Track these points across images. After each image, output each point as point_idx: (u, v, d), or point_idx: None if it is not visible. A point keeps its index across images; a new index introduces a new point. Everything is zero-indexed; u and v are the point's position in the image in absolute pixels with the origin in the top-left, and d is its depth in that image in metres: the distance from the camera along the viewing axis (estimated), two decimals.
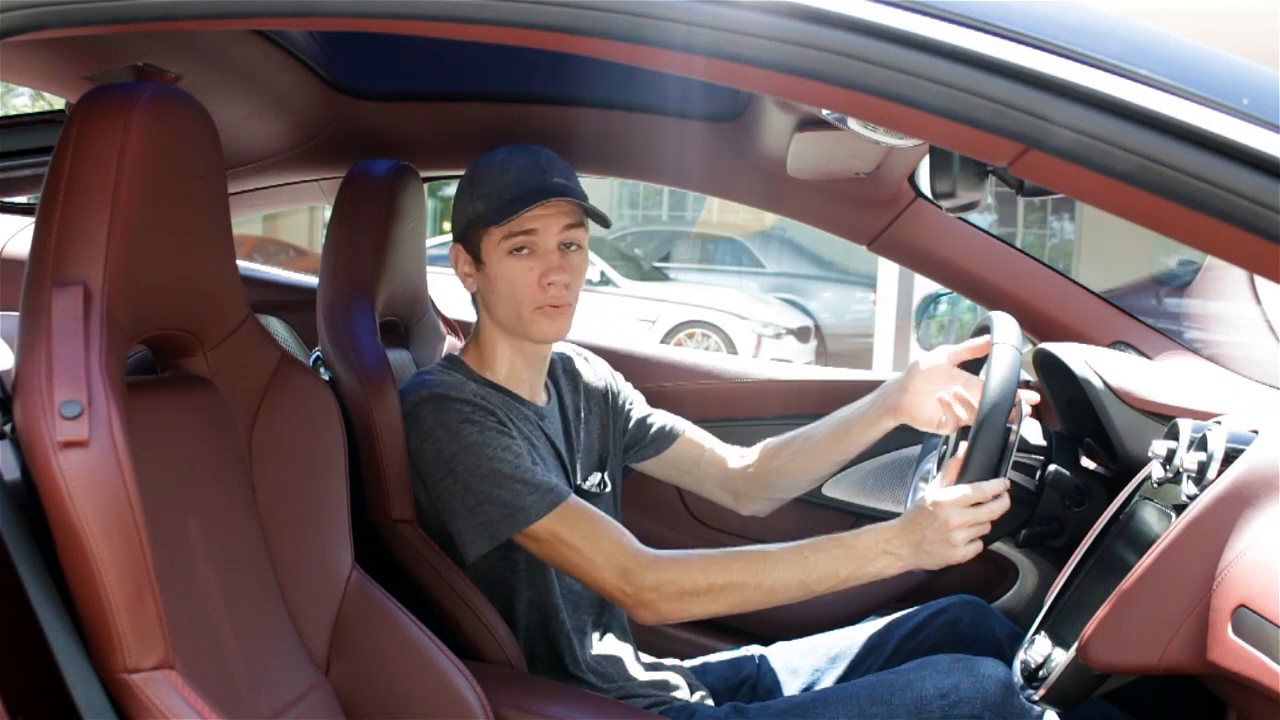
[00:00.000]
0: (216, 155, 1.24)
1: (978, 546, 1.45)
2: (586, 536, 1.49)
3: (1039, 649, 1.45)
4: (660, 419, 1.86)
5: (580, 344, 1.92)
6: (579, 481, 1.72)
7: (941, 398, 1.64)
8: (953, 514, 1.43)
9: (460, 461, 1.50)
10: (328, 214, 1.84)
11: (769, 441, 1.86)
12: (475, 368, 1.65)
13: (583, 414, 1.77)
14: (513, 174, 1.58)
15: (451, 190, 1.67)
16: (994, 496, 1.45)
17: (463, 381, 1.58)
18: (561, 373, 1.78)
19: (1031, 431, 1.74)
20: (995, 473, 1.55)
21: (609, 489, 1.79)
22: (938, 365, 1.68)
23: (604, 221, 1.62)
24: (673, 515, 2.28)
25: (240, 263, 1.69)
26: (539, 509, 1.49)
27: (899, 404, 1.70)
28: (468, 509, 1.51)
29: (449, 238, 1.68)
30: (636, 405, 1.86)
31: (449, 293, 2.13)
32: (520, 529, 1.49)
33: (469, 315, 1.75)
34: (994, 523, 1.69)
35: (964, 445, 1.50)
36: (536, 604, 1.62)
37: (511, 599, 1.61)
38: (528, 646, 1.61)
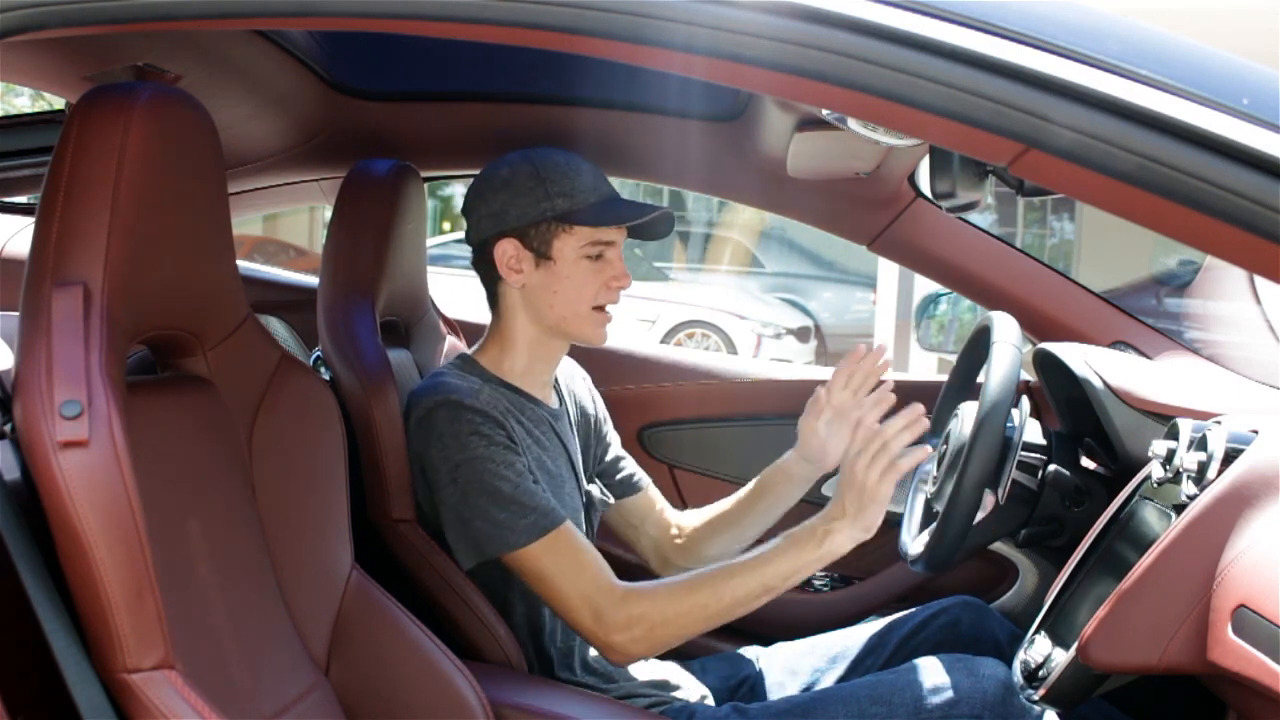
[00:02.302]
0: (216, 155, 1.24)
1: (892, 477, 1.45)
2: (566, 569, 1.49)
3: (1039, 649, 1.45)
4: (630, 466, 1.88)
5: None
6: (586, 485, 1.72)
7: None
8: (857, 462, 1.45)
9: (463, 472, 1.50)
10: (328, 214, 1.84)
11: (691, 518, 1.88)
12: (491, 367, 1.65)
13: (579, 426, 1.78)
14: (586, 178, 1.60)
15: (451, 190, 1.66)
16: (901, 428, 1.46)
17: (479, 387, 1.56)
18: (563, 383, 1.78)
19: (1031, 431, 1.74)
20: (997, 474, 1.55)
21: (635, 492, 1.82)
22: (816, 410, 1.73)
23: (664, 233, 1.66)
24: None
25: (240, 263, 1.69)
26: (529, 534, 1.49)
27: (802, 454, 1.76)
28: (461, 521, 1.51)
29: (449, 238, 1.68)
30: (614, 442, 1.88)
31: (449, 293, 2.13)
32: (506, 552, 1.50)
33: (469, 315, 1.75)
34: (994, 523, 1.69)
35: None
36: (528, 614, 1.61)
37: (511, 601, 1.61)
38: (527, 648, 1.61)
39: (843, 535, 1.46)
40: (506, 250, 1.61)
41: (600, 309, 1.62)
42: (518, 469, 1.51)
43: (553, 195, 1.58)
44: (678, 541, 1.86)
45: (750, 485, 1.83)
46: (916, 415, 1.47)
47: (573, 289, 1.60)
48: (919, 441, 1.50)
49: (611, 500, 1.84)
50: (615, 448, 1.87)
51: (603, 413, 1.87)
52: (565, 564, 1.49)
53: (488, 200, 1.61)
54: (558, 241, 1.59)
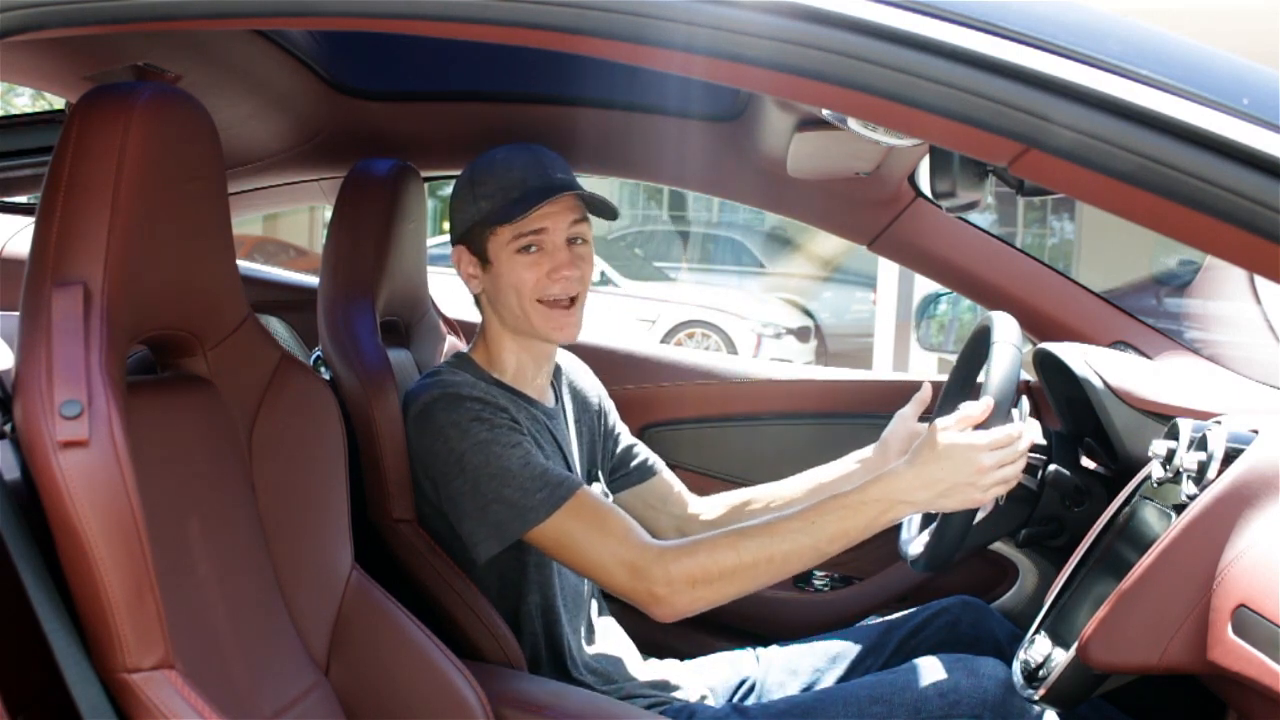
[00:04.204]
0: (216, 155, 1.24)
1: (1000, 491, 1.42)
2: (592, 534, 1.46)
3: (1039, 649, 1.45)
4: (643, 451, 1.88)
5: (581, 344, 1.91)
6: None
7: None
8: (987, 456, 1.40)
9: (470, 460, 1.49)
10: (328, 214, 1.84)
11: (732, 495, 1.86)
12: (485, 367, 1.65)
13: (580, 423, 1.77)
14: (516, 172, 1.58)
15: (451, 190, 1.66)
16: (1009, 443, 1.43)
17: (474, 380, 1.57)
18: (564, 380, 1.78)
19: (1031, 431, 1.74)
20: None
21: (652, 475, 1.82)
22: (903, 426, 1.72)
23: (610, 213, 1.63)
24: None
25: (240, 263, 1.69)
26: (547, 506, 1.47)
27: (888, 442, 1.74)
28: (478, 509, 1.49)
29: (449, 237, 1.67)
30: (624, 432, 1.88)
31: (449, 293, 2.13)
32: (529, 528, 1.47)
33: (469, 315, 1.75)
34: (994, 523, 1.69)
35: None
36: (542, 606, 1.61)
37: (520, 602, 1.60)
38: (532, 648, 1.61)
39: (913, 510, 1.43)
40: (461, 259, 1.64)
41: (546, 302, 1.59)
42: (524, 447, 1.51)
43: (479, 198, 1.59)
44: (709, 520, 1.83)
45: (812, 481, 1.79)
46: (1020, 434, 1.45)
47: (510, 287, 1.59)
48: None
49: (652, 474, 1.85)
50: (625, 436, 1.87)
51: (607, 404, 1.86)
52: (590, 528, 1.46)
53: (449, 211, 1.65)
54: (490, 244, 1.60)
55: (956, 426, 1.43)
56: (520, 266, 1.58)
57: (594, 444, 1.80)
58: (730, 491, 1.88)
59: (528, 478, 1.48)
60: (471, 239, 1.62)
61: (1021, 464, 1.44)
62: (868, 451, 1.77)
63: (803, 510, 1.45)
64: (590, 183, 1.77)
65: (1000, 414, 1.48)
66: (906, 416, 1.74)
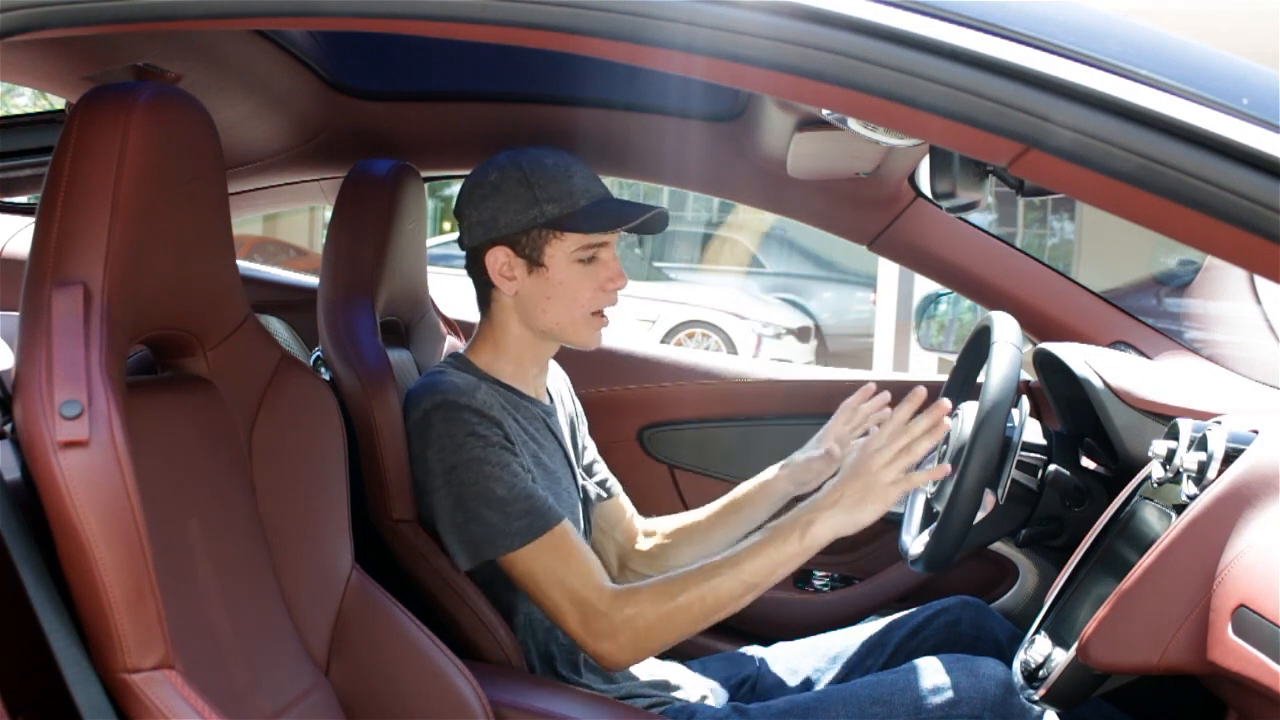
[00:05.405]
0: (216, 155, 1.24)
1: (901, 488, 1.44)
2: (557, 574, 1.48)
3: (1039, 649, 1.45)
4: (605, 471, 1.89)
5: None
6: (581, 480, 1.72)
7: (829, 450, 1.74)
8: (877, 456, 1.44)
9: (457, 475, 1.49)
10: (328, 214, 1.84)
11: (662, 525, 1.89)
12: (484, 367, 1.65)
13: (566, 423, 1.78)
14: (577, 180, 1.58)
15: (452, 190, 1.66)
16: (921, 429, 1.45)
17: (475, 385, 1.55)
18: (549, 383, 1.79)
19: (1031, 431, 1.74)
20: (997, 474, 1.55)
21: (607, 498, 1.81)
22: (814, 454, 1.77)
23: (656, 227, 1.64)
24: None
25: (240, 263, 1.69)
26: (523, 536, 1.48)
27: (793, 475, 1.78)
28: (455, 525, 1.51)
29: (449, 237, 1.67)
30: (591, 446, 1.89)
31: (449, 293, 2.13)
32: (501, 554, 1.49)
33: (469, 315, 1.75)
34: (994, 523, 1.69)
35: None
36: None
37: (520, 602, 1.60)
38: (532, 649, 1.61)
39: (827, 526, 1.45)
40: (498, 258, 1.60)
41: (597, 313, 1.62)
42: (513, 469, 1.51)
43: (542, 201, 1.56)
44: (641, 549, 1.87)
45: (725, 499, 1.83)
46: (942, 413, 1.46)
47: (567, 295, 1.59)
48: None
49: (607, 496, 1.84)
50: (592, 450, 1.88)
51: (581, 415, 1.88)
52: (557, 566, 1.48)
53: (478, 207, 1.60)
54: (549, 248, 1.58)
55: (848, 427, 1.50)
56: (580, 276, 1.58)
57: (574, 445, 1.81)
58: (667, 518, 1.90)
59: (511, 504, 1.48)
60: (524, 241, 1.58)
61: (921, 448, 1.46)
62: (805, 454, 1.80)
63: (736, 550, 1.48)
64: None
65: (999, 414, 1.48)
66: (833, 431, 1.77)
